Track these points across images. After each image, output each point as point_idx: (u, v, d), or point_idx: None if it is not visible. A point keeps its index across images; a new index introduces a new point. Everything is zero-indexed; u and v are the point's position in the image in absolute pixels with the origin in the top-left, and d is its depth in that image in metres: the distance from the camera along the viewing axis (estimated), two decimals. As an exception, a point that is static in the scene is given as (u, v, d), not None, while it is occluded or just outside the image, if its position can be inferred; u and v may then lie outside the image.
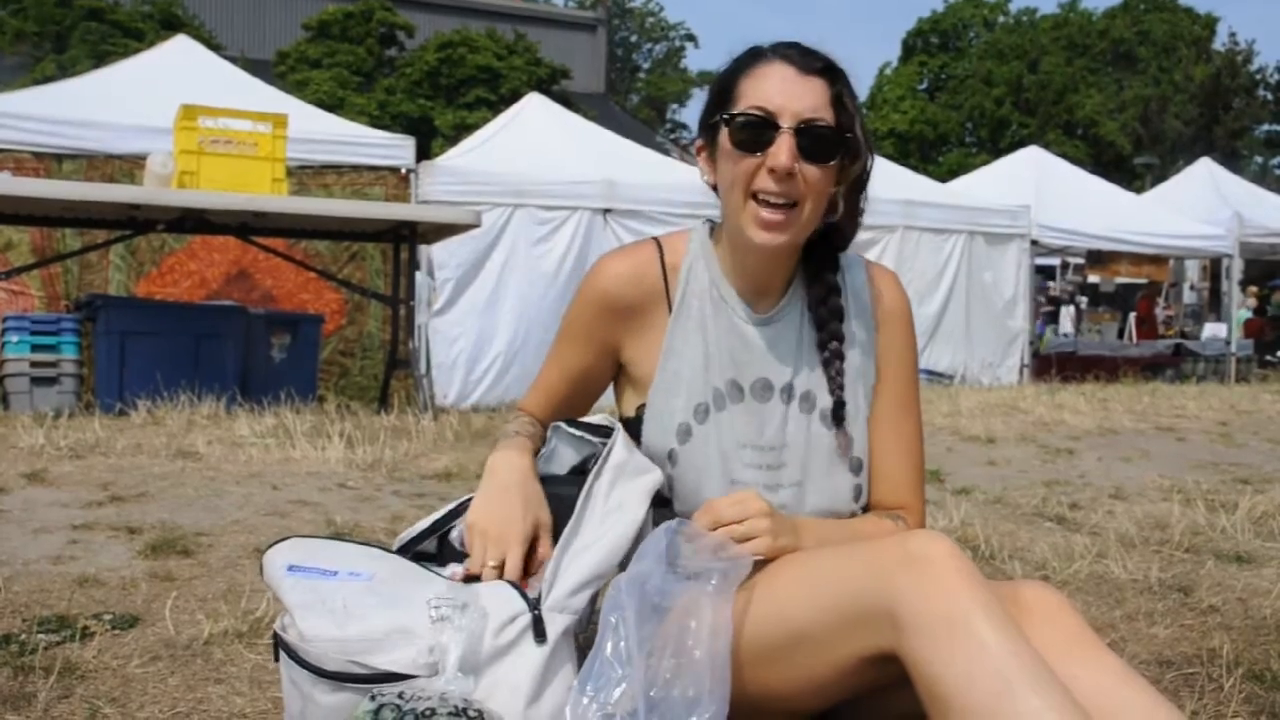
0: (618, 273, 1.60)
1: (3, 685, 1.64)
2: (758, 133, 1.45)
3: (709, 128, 1.54)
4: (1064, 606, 1.37)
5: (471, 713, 1.23)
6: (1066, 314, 16.25)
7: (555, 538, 1.45)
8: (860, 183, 1.55)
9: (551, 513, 1.49)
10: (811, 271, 1.60)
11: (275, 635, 1.38)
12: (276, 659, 1.38)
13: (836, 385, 1.57)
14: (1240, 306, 15.75)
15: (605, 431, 1.55)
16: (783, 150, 1.44)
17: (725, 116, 1.49)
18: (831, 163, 1.47)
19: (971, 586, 1.25)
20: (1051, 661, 1.23)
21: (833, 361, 1.57)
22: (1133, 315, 16.24)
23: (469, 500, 1.56)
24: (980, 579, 1.27)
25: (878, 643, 1.30)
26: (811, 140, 1.45)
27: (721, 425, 1.56)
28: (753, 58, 1.50)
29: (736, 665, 1.40)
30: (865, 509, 1.63)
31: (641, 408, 1.60)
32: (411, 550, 1.54)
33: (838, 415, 1.57)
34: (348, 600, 1.34)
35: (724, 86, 1.52)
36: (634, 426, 1.61)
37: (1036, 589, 1.39)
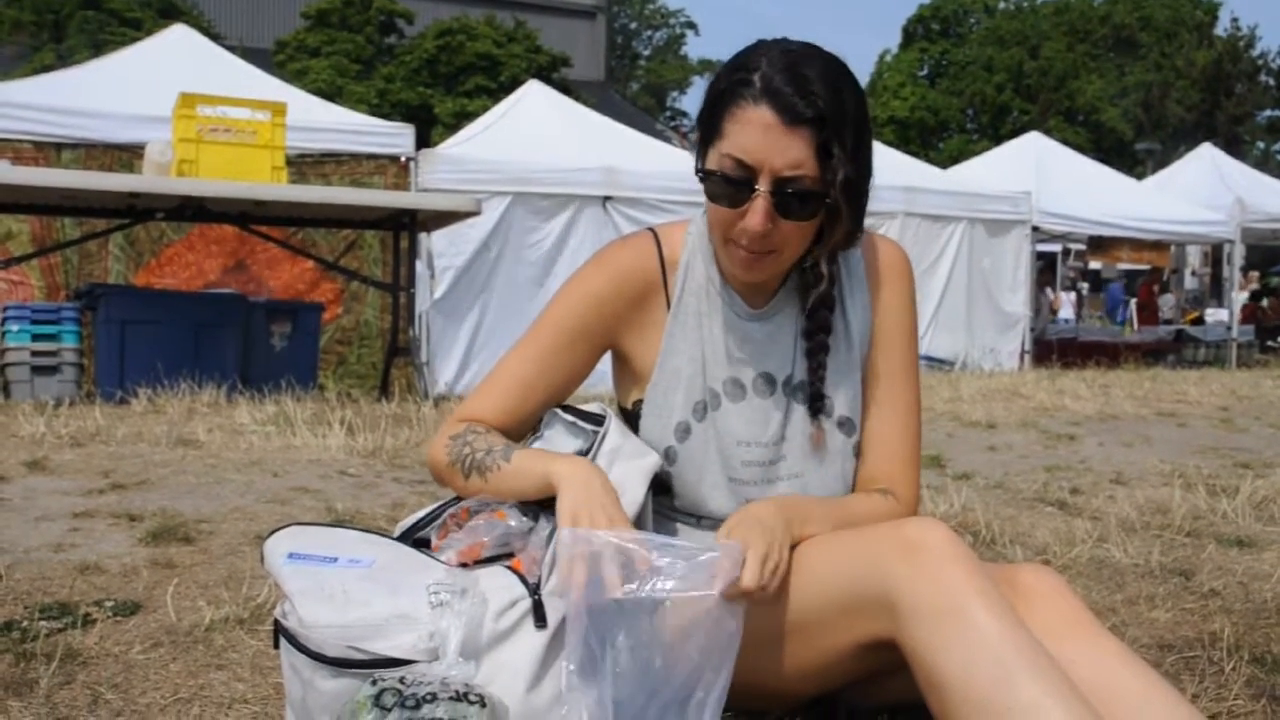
0: (623, 265, 1.56)
1: (5, 672, 1.64)
2: (734, 189, 1.39)
3: (699, 143, 1.48)
4: (1062, 589, 1.36)
5: (473, 697, 1.23)
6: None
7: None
8: (856, 217, 1.46)
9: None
10: (808, 263, 1.55)
11: (275, 622, 1.38)
12: (276, 646, 1.39)
13: (817, 378, 1.54)
14: (1241, 290, 15.76)
15: (598, 420, 1.54)
16: (757, 214, 1.38)
17: (700, 172, 1.44)
18: (810, 220, 1.42)
19: (969, 573, 1.25)
20: (1050, 644, 1.23)
21: (816, 353, 1.54)
22: (1133, 301, 16.25)
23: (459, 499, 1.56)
24: (978, 565, 1.27)
25: (876, 630, 1.30)
26: (788, 200, 1.38)
27: (719, 424, 1.55)
28: (741, 87, 1.39)
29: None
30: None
31: (639, 403, 1.58)
32: (412, 538, 1.54)
33: (814, 408, 1.55)
34: (347, 587, 1.35)
35: (712, 109, 1.43)
36: (631, 421, 1.60)
37: (1035, 572, 1.39)
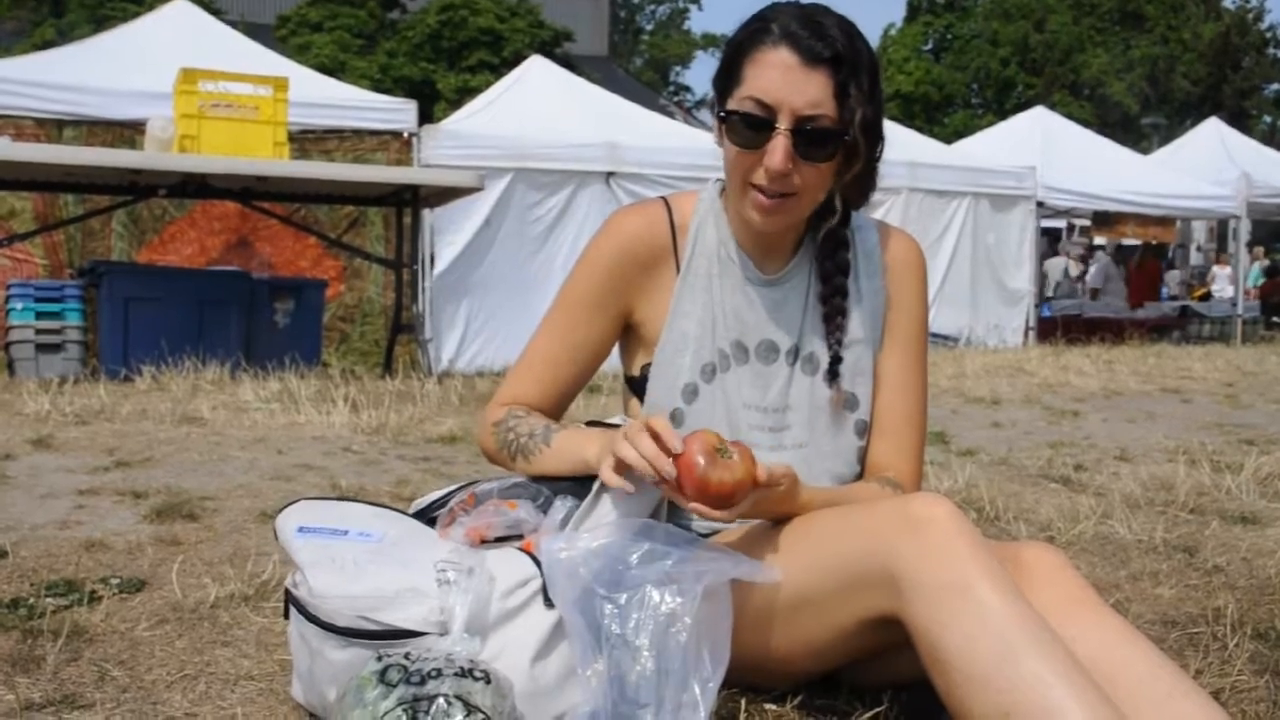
0: (630, 229, 1.59)
1: (12, 649, 1.65)
2: (754, 131, 1.42)
3: (717, 96, 1.52)
4: (1065, 567, 1.36)
5: (478, 673, 1.24)
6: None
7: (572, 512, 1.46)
8: (871, 163, 1.49)
9: (571, 494, 1.49)
10: (820, 229, 1.58)
11: (286, 591, 1.38)
12: (286, 615, 1.39)
13: (835, 341, 1.56)
14: (1256, 261, 15.65)
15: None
16: (778, 152, 1.41)
17: (722, 113, 1.46)
18: (829, 162, 1.44)
19: (973, 550, 1.25)
20: (1053, 623, 1.23)
21: (833, 317, 1.56)
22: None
23: (476, 481, 1.58)
24: (982, 542, 1.27)
25: (879, 606, 1.30)
26: (809, 139, 1.41)
27: (727, 386, 1.56)
28: (760, 34, 1.44)
29: (737, 628, 1.40)
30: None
31: (646, 367, 1.59)
32: (426, 517, 1.55)
33: (833, 371, 1.56)
34: (358, 559, 1.36)
35: (730, 61, 1.47)
36: (639, 385, 1.61)
37: (1037, 550, 1.39)
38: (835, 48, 1.40)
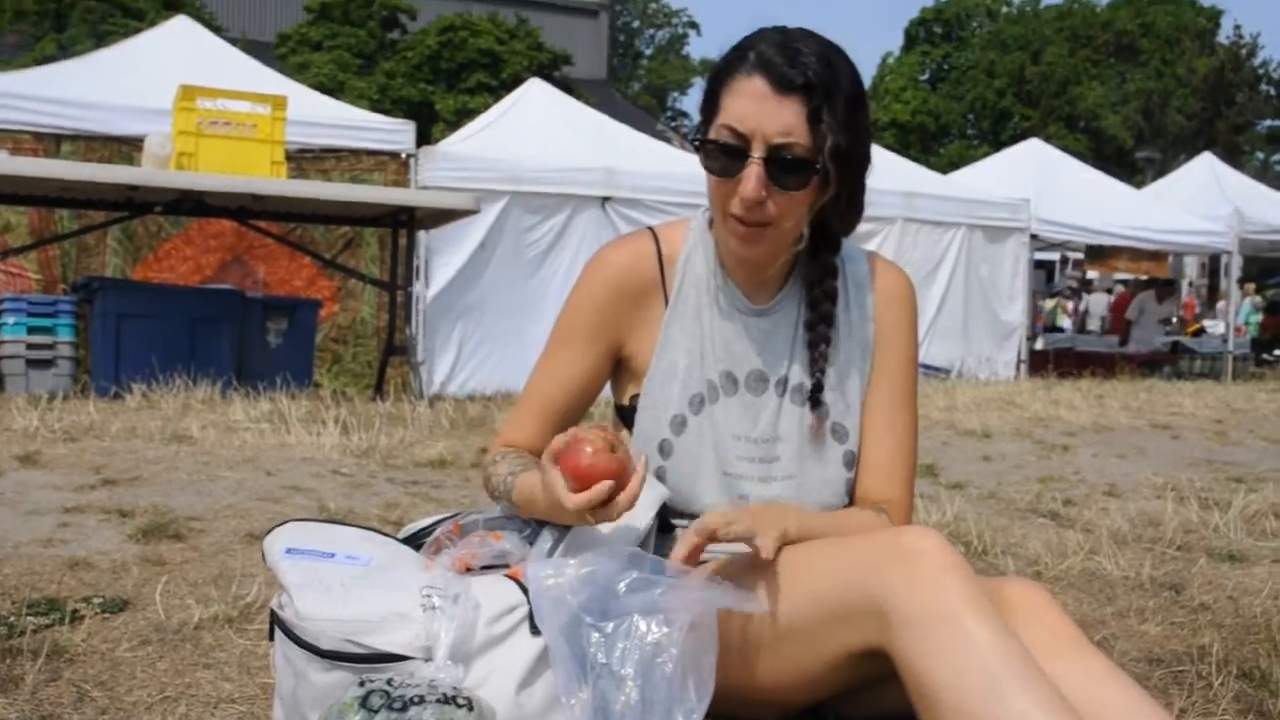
0: (618, 262, 1.59)
1: (-9, 668, 1.64)
2: (728, 159, 1.43)
3: (701, 125, 1.53)
4: (1049, 604, 1.36)
5: (460, 700, 1.23)
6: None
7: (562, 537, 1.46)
8: (858, 180, 1.51)
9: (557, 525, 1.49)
10: (810, 258, 1.59)
11: (271, 613, 1.38)
12: (271, 637, 1.38)
13: (817, 368, 1.56)
14: (1248, 297, 15.69)
15: None
16: (750, 181, 1.41)
17: (696, 141, 1.48)
18: (802, 190, 1.44)
19: (962, 583, 1.25)
20: (1037, 660, 1.23)
21: (817, 344, 1.56)
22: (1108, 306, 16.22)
23: (462, 512, 1.57)
24: (971, 576, 1.27)
25: (867, 638, 1.30)
26: (781, 168, 1.41)
27: (715, 417, 1.56)
28: (738, 61, 1.45)
29: (724, 657, 1.40)
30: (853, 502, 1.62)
31: (636, 398, 1.59)
32: (413, 545, 1.55)
33: (813, 398, 1.56)
34: (345, 582, 1.35)
35: (711, 90, 1.49)
36: (627, 415, 1.61)
37: (1022, 586, 1.39)
38: (807, 75, 1.39)
